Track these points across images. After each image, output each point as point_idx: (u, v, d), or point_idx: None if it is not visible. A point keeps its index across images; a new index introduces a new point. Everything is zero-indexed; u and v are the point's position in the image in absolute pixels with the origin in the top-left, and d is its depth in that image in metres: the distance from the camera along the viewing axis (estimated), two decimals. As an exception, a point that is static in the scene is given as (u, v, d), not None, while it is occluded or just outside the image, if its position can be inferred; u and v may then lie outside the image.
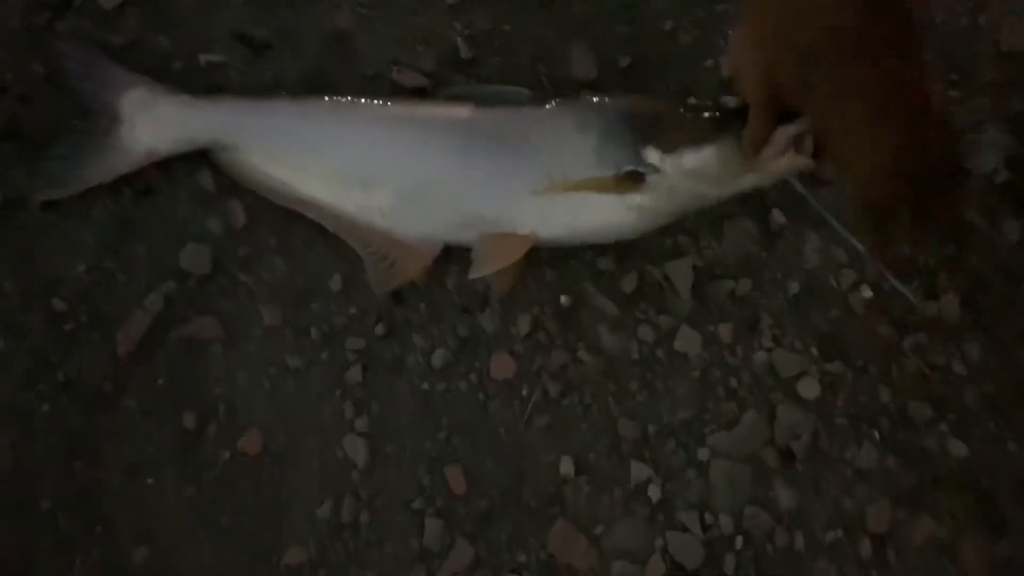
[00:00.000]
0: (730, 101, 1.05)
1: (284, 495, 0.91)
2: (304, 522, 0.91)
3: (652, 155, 0.95)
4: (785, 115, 0.89)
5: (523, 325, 1.00)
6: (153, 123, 0.96)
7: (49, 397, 0.89)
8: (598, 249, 1.03)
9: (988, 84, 1.18)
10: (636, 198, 0.97)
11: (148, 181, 0.96)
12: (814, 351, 1.05)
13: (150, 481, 0.88)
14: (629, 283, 1.03)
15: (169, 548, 0.87)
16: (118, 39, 0.99)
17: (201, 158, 0.97)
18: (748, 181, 0.94)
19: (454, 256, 1.00)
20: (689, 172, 0.95)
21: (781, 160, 0.91)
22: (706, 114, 0.96)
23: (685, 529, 0.98)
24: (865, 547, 1.00)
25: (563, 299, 1.02)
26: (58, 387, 0.89)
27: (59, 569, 0.85)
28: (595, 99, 1.01)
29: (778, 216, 1.08)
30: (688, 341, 1.03)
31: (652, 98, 1.02)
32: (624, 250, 1.04)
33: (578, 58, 1.12)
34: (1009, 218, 1.15)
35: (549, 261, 1.02)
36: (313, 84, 1.03)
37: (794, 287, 1.07)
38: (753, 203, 1.08)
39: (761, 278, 1.06)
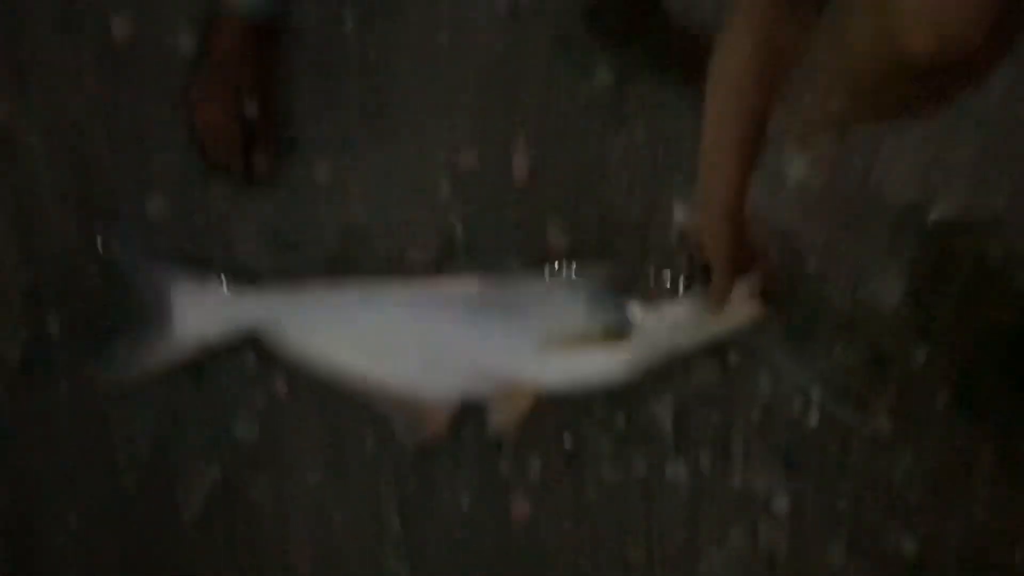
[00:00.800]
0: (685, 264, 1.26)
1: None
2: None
3: (634, 311, 1.13)
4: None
5: (534, 467, 1.13)
6: (201, 314, 1.08)
7: (124, 567, 0.95)
8: (591, 394, 1.19)
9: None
10: (622, 349, 1.14)
11: (199, 362, 1.07)
12: (780, 470, 1.21)
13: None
14: (619, 422, 1.18)
15: None
16: (162, 242, 1.13)
17: (245, 340, 1.09)
18: (717, 328, 1.13)
19: (469, 408, 1.13)
20: (667, 323, 1.12)
21: (742, 309, 1.10)
22: (676, 274, 1.15)
23: (695, 638, 1.09)
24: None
25: (566, 441, 1.16)
26: (132, 558, 0.96)
27: None
28: (579, 267, 1.19)
29: (733, 356, 1.27)
30: (676, 471, 1.18)
31: (626, 263, 1.22)
32: (612, 394, 1.19)
33: (553, 234, 1.31)
34: (916, 346, 1.38)
35: (550, 408, 1.17)
36: (336, 269, 1.18)
37: (755, 414, 1.24)
38: (710, 346, 1.27)
39: (727, 410, 1.24)
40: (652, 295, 1.14)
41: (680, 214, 1.39)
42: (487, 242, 1.26)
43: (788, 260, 1.36)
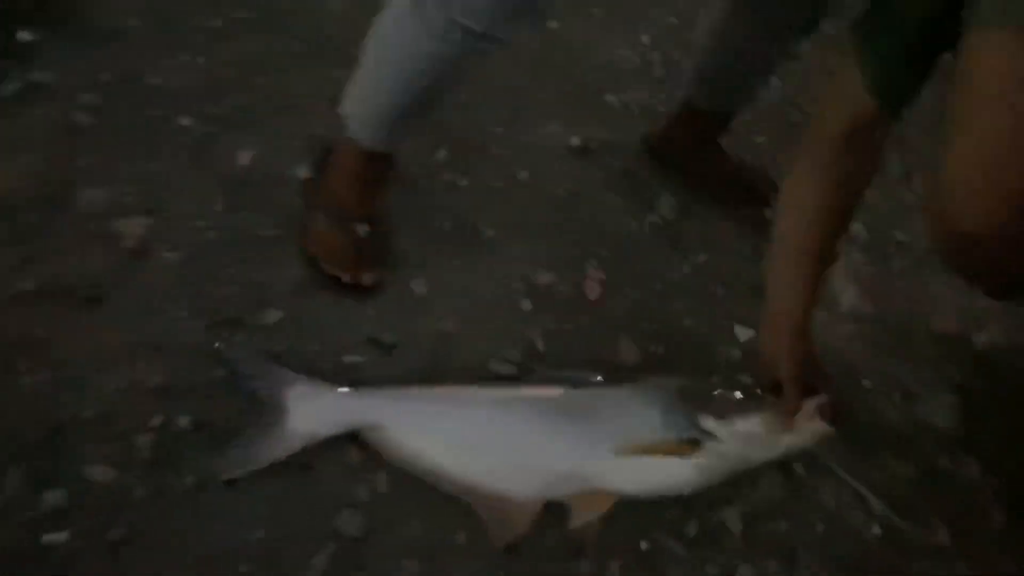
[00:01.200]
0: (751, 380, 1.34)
1: None
2: None
3: (708, 423, 1.21)
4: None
5: (614, 569, 1.19)
6: (312, 412, 1.17)
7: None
8: (664, 501, 1.26)
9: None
10: (695, 459, 1.22)
11: (307, 458, 1.16)
12: (844, 577, 1.26)
13: None
14: (692, 528, 1.24)
15: None
16: (279, 347, 1.24)
17: (349, 437, 1.18)
18: (785, 443, 1.20)
19: (552, 512, 1.21)
20: (739, 436, 1.20)
21: (810, 426, 1.18)
22: (746, 390, 1.24)
23: None
24: None
25: (642, 544, 1.22)
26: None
27: None
28: (655, 380, 1.28)
29: (798, 468, 1.34)
30: (745, 575, 1.23)
31: (699, 378, 1.31)
32: (685, 500, 1.26)
33: (624, 348, 1.41)
34: (969, 462, 1.43)
35: (627, 513, 1.24)
36: (429, 373, 1.28)
37: (819, 525, 1.30)
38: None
39: (793, 519, 1.30)
40: (724, 410, 1.22)
41: (739, 333, 1.50)
42: (564, 354, 1.37)
43: (846, 382, 1.44)
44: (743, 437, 1.20)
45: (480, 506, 1.17)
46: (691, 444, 1.21)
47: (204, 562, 1.06)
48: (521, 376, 1.32)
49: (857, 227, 1.72)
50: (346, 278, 1.31)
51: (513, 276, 1.43)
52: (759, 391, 1.22)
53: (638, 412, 1.25)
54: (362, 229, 1.33)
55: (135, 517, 1.06)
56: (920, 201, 1.77)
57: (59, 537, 1.03)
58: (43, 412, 1.11)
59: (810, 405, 1.16)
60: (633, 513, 1.24)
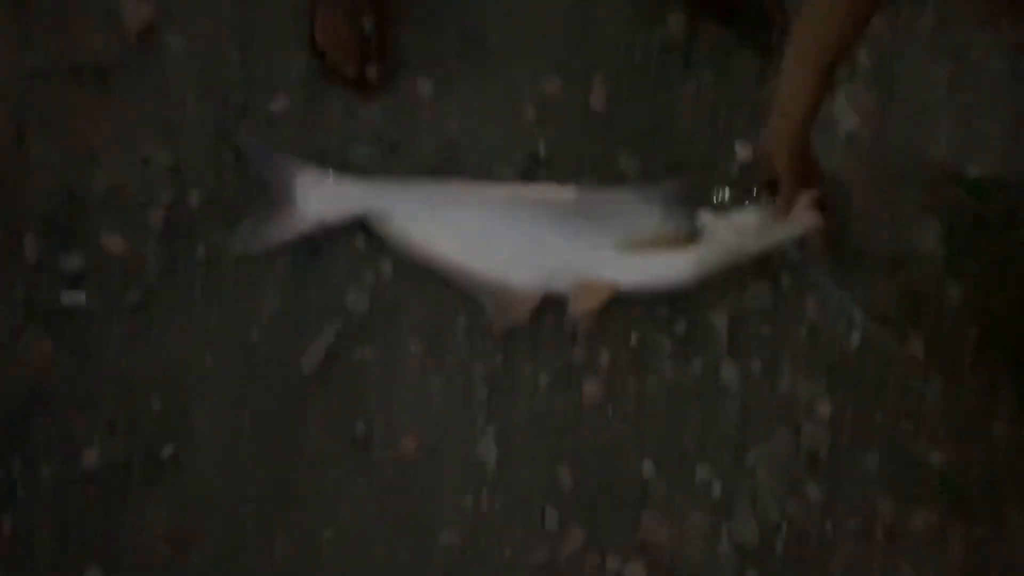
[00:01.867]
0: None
1: (435, 488, 1.11)
2: (452, 510, 1.10)
3: (705, 217, 1.25)
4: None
5: (604, 357, 1.25)
6: (320, 199, 1.20)
7: (249, 408, 1.08)
8: (655, 300, 1.31)
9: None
10: (693, 252, 1.26)
11: (317, 242, 1.19)
12: (823, 379, 1.33)
13: (331, 475, 1.07)
14: (680, 327, 1.30)
15: (350, 530, 1.05)
16: (285, 134, 1.25)
17: (357, 224, 1.21)
18: (780, 234, 1.24)
19: (549, 302, 1.25)
20: (735, 228, 1.24)
21: (804, 217, 1.21)
22: (743, 186, 1.26)
23: (743, 518, 1.21)
24: (878, 532, 1.25)
25: (633, 337, 1.28)
26: (256, 400, 1.08)
27: (264, 547, 1.01)
28: (656, 181, 1.31)
29: (785, 279, 1.38)
30: (729, 373, 1.29)
31: (697, 177, 1.33)
32: (674, 301, 1.31)
33: (624, 160, 1.43)
34: (951, 285, 1.48)
35: (619, 309, 1.29)
36: (431, 174, 1.30)
37: (802, 332, 1.36)
38: (765, 269, 1.39)
39: (777, 325, 1.35)
40: (721, 203, 1.26)
41: (742, 152, 1.51)
42: (565, 162, 1.38)
43: (839, 197, 1.47)
44: (739, 229, 1.24)
45: (481, 293, 1.22)
46: (688, 238, 1.25)
47: (217, 329, 1.11)
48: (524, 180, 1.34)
49: (862, 56, 1.70)
50: (350, 72, 1.30)
51: (518, 83, 1.42)
52: (757, 186, 1.25)
53: (639, 209, 1.28)
54: (368, 23, 1.31)
55: (150, 285, 1.11)
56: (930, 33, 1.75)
57: (78, 298, 1.08)
58: (57, 183, 1.13)
59: (804, 197, 1.19)
60: (625, 309, 1.29)
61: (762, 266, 1.35)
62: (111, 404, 1.04)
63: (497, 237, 1.24)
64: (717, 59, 1.60)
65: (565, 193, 1.29)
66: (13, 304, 1.06)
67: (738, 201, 1.24)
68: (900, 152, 1.61)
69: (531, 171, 1.36)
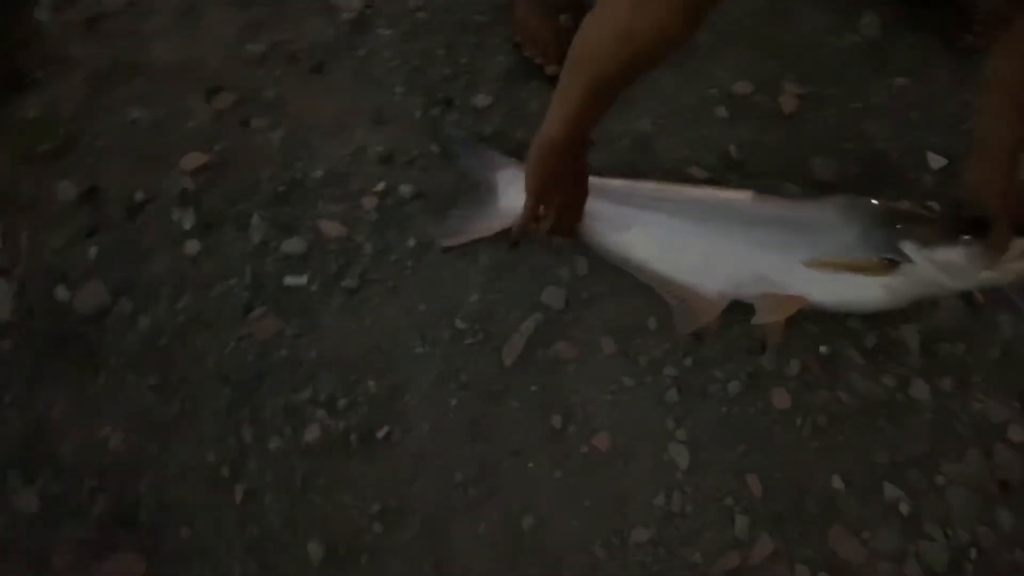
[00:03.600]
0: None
1: (627, 485, 1.12)
2: (644, 508, 1.11)
3: (908, 247, 1.20)
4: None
5: (794, 367, 1.23)
6: (521, 193, 1.22)
7: (455, 394, 1.11)
8: (846, 313, 1.28)
9: None
10: (888, 280, 1.22)
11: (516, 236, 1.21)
12: (1016, 404, 1.28)
13: (530, 464, 1.09)
14: (871, 340, 1.27)
15: (547, 519, 1.07)
16: (488, 129, 1.27)
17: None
18: (984, 279, 1.19)
19: (739, 308, 1.24)
20: (939, 265, 1.19)
21: (1016, 266, 1.16)
22: (954, 221, 1.21)
23: (932, 539, 1.18)
24: (1073, 565, 1.19)
25: (822, 349, 1.25)
26: (461, 386, 1.11)
27: (471, 529, 1.04)
28: (855, 198, 1.27)
29: (979, 296, 1.33)
30: (920, 390, 1.26)
31: (900, 202, 1.29)
32: (866, 315, 1.28)
33: (819, 165, 1.40)
34: None
35: (811, 319, 1.27)
36: (627, 172, 1.31)
37: (995, 352, 1.31)
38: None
39: (970, 343, 1.30)
40: (927, 236, 1.20)
41: (932, 161, 1.46)
42: (758, 164, 1.37)
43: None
44: (942, 266, 1.19)
45: (671, 296, 1.22)
46: (886, 264, 1.21)
47: (425, 316, 1.15)
48: (712, 183, 1.33)
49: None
50: (550, 69, 1.31)
51: (711, 83, 1.41)
52: (967, 224, 1.19)
53: (837, 226, 1.24)
54: (566, 19, 1.32)
55: (365, 268, 1.15)
56: None
57: (300, 280, 1.13)
58: (279, 167, 1.18)
59: (1019, 245, 1.13)
60: (815, 321, 1.26)
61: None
62: (330, 383, 1.08)
63: (687, 241, 1.23)
64: (912, 62, 1.55)
65: (758, 200, 1.27)
66: (242, 283, 1.11)
67: (946, 236, 1.19)
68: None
69: (724, 172, 1.35)
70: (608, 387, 1.17)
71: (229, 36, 1.25)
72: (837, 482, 1.18)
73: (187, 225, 1.14)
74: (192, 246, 1.13)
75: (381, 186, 1.19)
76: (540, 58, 1.32)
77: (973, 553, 1.18)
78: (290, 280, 1.12)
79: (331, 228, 1.16)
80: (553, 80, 1.32)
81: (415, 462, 1.06)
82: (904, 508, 1.18)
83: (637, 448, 1.14)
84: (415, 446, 1.07)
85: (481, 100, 1.28)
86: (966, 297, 1.33)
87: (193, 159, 1.17)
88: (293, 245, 1.14)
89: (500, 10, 1.33)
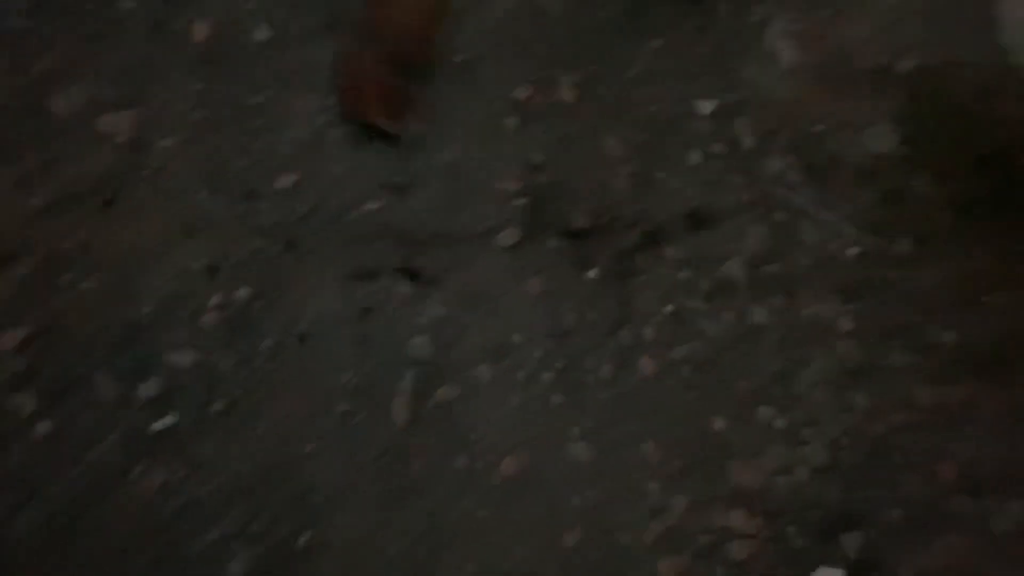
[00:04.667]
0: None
1: (547, 496, 1.17)
2: (566, 511, 1.17)
3: None
4: None
5: (649, 333, 1.32)
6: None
7: (359, 476, 1.11)
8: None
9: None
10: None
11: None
12: (838, 299, 1.43)
13: (452, 515, 1.12)
14: (705, 285, 1.38)
15: (490, 561, 1.11)
16: (303, 208, 1.26)
17: (403, 271, 1.24)
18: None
19: (601, 293, 1.31)
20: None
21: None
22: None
23: (807, 442, 1.32)
24: (922, 416, 1.37)
25: (667, 308, 1.35)
26: (362, 467, 1.12)
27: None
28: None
29: (779, 216, 1.47)
30: (759, 314, 1.37)
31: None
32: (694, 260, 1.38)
33: (611, 145, 1.48)
34: (917, 173, 1.59)
35: (650, 285, 1.35)
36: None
37: (807, 260, 1.45)
38: (758, 214, 1.46)
39: (784, 259, 1.44)
40: None
41: (703, 108, 1.57)
42: (559, 162, 1.43)
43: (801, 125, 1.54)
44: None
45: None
46: None
47: (304, 411, 1.14)
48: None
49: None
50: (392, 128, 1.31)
51: (494, 96, 1.46)
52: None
53: None
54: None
55: (229, 386, 1.12)
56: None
57: (168, 422, 1.09)
58: (106, 316, 1.13)
59: None
60: (654, 287, 1.36)
61: (754, 210, 1.44)
62: (237, 513, 1.06)
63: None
64: (661, 23, 1.65)
65: None
66: (108, 446, 1.06)
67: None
68: (840, 66, 1.71)
69: (533, 180, 1.40)
70: (497, 412, 1.21)
71: (4, 195, 1.17)
72: (719, 423, 1.29)
73: (29, 408, 1.07)
74: (43, 427, 1.07)
75: (217, 299, 1.16)
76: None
77: (844, 440, 1.32)
78: (158, 425, 1.08)
79: (181, 358, 1.12)
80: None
81: (347, 557, 1.07)
82: (779, 423, 1.31)
83: (542, 460, 1.20)
84: (338, 542, 1.08)
85: (286, 180, 1.27)
86: (767, 220, 1.45)
87: (10, 338, 1.10)
88: (149, 388, 1.10)
89: (276, 87, 1.31)
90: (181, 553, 1.05)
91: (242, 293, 1.18)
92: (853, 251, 1.47)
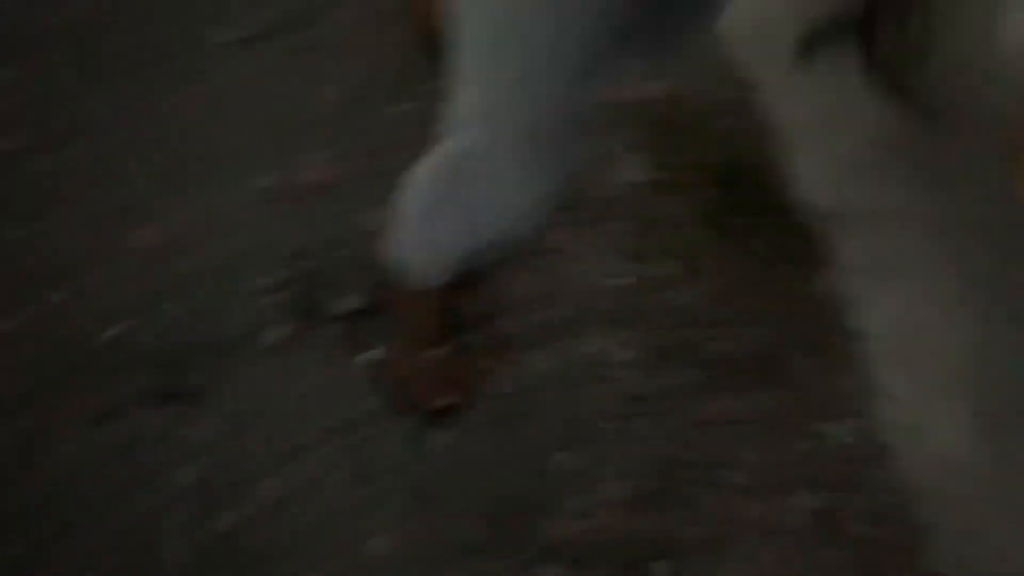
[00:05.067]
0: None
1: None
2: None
3: None
4: None
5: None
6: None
7: None
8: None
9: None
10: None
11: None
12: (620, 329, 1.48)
13: None
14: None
15: None
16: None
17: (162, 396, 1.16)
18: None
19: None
20: None
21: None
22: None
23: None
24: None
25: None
26: None
27: None
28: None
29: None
30: (534, 362, 1.40)
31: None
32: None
33: (368, 219, 1.46)
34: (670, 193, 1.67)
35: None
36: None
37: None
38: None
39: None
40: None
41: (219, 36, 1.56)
42: (318, 240, 1.39)
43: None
44: None
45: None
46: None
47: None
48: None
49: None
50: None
51: (240, 187, 1.41)
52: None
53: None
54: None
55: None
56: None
57: None
58: None
59: None
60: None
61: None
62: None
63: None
64: (408, 88, 1.65)
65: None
66: None
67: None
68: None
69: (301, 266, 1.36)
70: (288, 528, 1.16)
71: None
72: (518, 482, 1.29)
73: None
74: None
75: None
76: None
77: (638, 469, 1.35)
78: None
79: None
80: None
81: None
82: (575, 466, 1.33)
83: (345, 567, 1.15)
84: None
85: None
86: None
87: None
88: None
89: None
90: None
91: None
92: (618, 282, 1.53)
